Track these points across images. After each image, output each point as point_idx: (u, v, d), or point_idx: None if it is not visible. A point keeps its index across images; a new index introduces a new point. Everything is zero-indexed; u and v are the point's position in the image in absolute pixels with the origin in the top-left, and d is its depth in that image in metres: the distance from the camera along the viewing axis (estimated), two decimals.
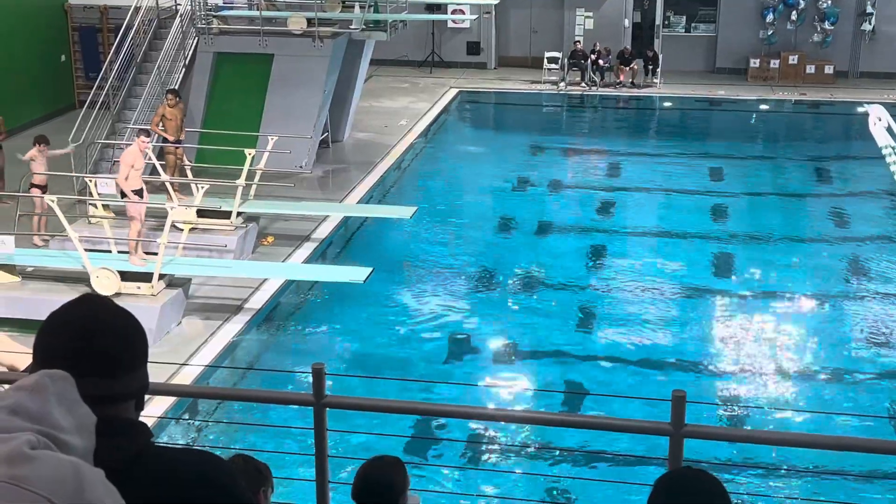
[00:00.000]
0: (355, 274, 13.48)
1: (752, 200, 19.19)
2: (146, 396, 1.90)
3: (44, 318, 1.80)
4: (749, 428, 10.80)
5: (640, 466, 9.76)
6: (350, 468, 4.55)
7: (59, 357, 1.70)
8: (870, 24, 27.18)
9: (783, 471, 10.00)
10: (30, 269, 13.32)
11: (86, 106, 18.35)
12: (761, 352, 13.02)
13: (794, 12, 27.31)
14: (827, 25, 27.18)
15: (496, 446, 10.71)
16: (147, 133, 13.90)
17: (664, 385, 11.42)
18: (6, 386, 2.35)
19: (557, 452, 10.36)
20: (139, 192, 13.51)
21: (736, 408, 11.62)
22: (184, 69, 19.41)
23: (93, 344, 1.75)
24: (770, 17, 27.33)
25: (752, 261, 16.09)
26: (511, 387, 12.13)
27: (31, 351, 1.78)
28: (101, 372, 1.75)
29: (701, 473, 2.56)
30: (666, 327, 13.68)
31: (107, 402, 1.72)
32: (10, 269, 12.95)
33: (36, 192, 14.69)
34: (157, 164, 15.50)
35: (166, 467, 1.82)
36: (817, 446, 5.20)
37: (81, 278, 12.78)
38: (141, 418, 1.88)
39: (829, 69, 27.07)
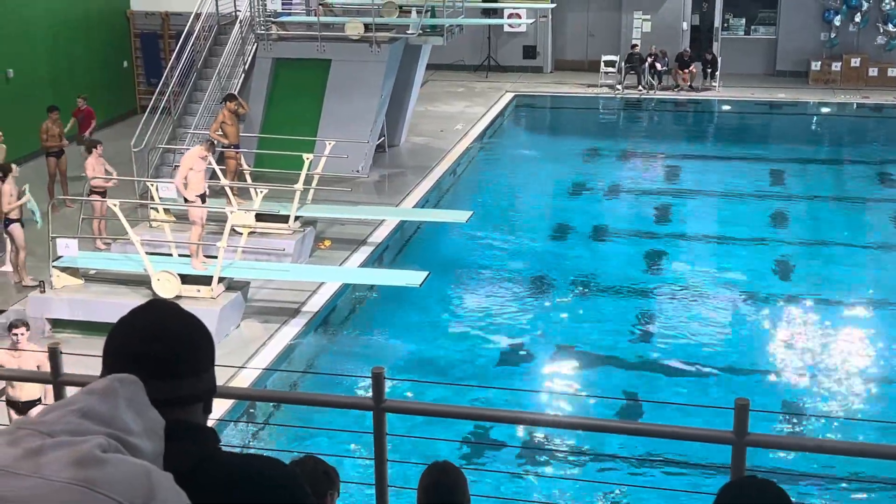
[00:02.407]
0: (411, 278, 13.50)
1: (812, 205, 18.90)
2: None
3: (106, 320, 1.82)
4: (813, 437, 10.62)
5: (700, 475, 9.64)
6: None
7: (126, 361, 1.72)
8: None
9: (849, 481, 9.81)
10: (92, 271, 13.54)
11: (147, 111, 18.64)
12: (825, 360, 12.79)
13: (857, 14, 26.84)
14: (891, 28, 26.69)
15: (553, 452, 10.65)
16: (212, 144, 14.03)
17: (724, 392, 11.27)
18: (76, 389, 2.38)
19: (616, 460, 10.27)
20: (202, 197, 13.67)
21: (800, 416, 11.42)
22: (243, 75, 19.62)
23: (158, 348, 1.77)
24: (837, 20, 26.84)
25: (813, 266, 15.82)
26: (567, 392, 12.06)
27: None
28: (167, 375, 1.77)
29: (766, 483, 2.51)
30: (725, 334, 13.51)
31: (174, 406, 1.74)
32: (73, 271, 13.18)
33: (96, 196, 14.96)
34: (217, 168, 15.68)
35: (231, 472, 1.82)
36: (885, 456, 5.09)
37: (143, 281, 12.95)
38: None
39: (892, 72, 26.59)
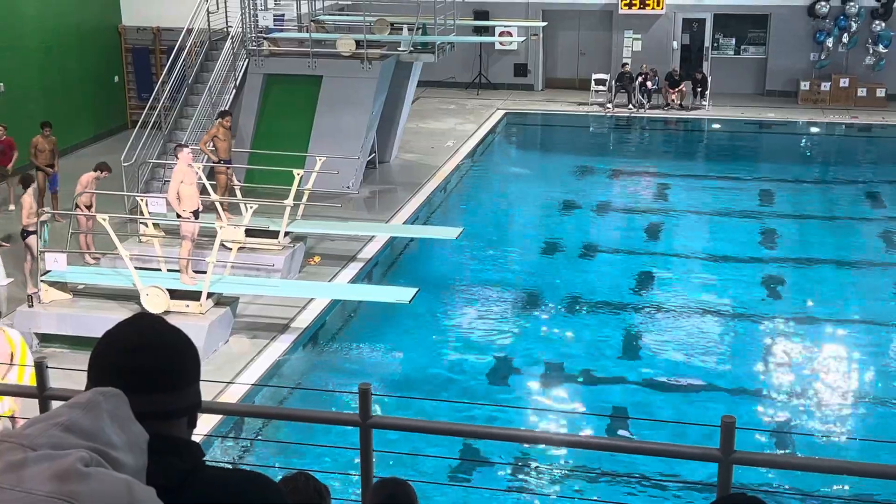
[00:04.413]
0: (401, 294, 13.49)
1: (801, 224, 18.96)
2: None
3: (94, 334, 1.82)
4: (800, 455, 10.63)
5: (686, 493, 9.64)
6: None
7: (111, 374, 1.72)
8: None
9: (835, 499, 9.81)
10: (81, 286, 13.50)
11: (138, 126, 18.63)
12: (812, 378, 12.82)
13: (845, 35, 26.99)
14: (880, 48, 26.84)
15: (540, 469, 10.63)
16: (180, 145, 14.05)
17: (711, 410, 11.28)
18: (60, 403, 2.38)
19: (603, 477, 10.25)
20: (195, 213, 13.65)
21: (786, 435, 11.44)
22: (234, 90, 19.65)
23: (143, 361, 1.77)
24: (830, 42, 26.94)
25: (802, 285, 15.87)
26: (556, 410, 12.05)
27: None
28: (152, 389, 1.76)
29: (752, 500, 2.51)
30: (713, 352, 13.53)
31: (159, 419, 1.74)
32: (62, 286, 13.14)
33: (84, 210, 14.94)
34: (208, 184, 15.67)
35: (216, 487, 1.82)
36: (871, 475, 5.10)
37: (132, 296, 12.93)
38: None
39: (881, 92, 26.72)
